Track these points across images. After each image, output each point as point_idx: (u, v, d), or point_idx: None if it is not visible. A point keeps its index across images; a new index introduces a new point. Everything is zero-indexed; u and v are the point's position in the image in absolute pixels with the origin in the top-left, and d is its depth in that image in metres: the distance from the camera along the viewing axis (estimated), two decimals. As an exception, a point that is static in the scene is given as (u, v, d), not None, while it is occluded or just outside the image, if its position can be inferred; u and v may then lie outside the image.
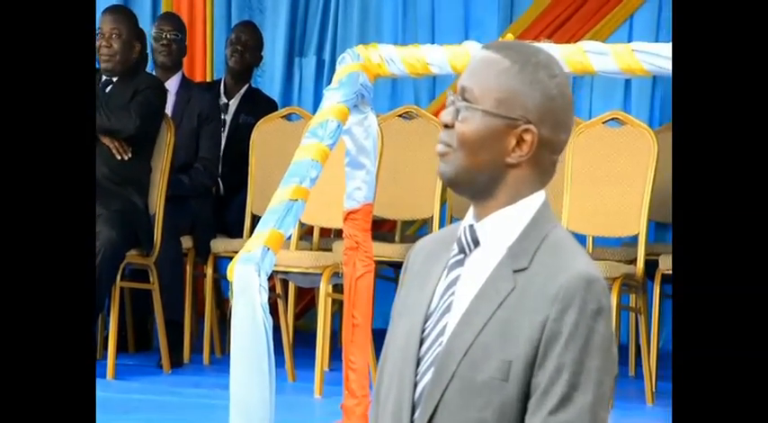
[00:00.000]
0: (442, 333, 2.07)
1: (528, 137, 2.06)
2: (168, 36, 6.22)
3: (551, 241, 2.07)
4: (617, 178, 5.37)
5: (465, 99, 2.08)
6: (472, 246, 2.09)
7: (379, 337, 4.38)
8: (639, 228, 5.28)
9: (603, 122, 5.51)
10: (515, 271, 2.05)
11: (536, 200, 2.09)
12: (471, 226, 2.10)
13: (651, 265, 5.33)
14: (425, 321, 2.09)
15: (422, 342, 2.08)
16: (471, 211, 2.12)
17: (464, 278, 2.09)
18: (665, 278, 5.39)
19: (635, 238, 5.39)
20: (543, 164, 2.09)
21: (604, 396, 2.02)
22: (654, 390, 5.12)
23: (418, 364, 2.07)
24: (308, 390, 5.15)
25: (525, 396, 2.01)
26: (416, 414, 2.07)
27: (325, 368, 5.22)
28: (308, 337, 6.00)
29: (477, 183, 2.08)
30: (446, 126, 2.10)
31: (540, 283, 2.03)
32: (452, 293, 2.08)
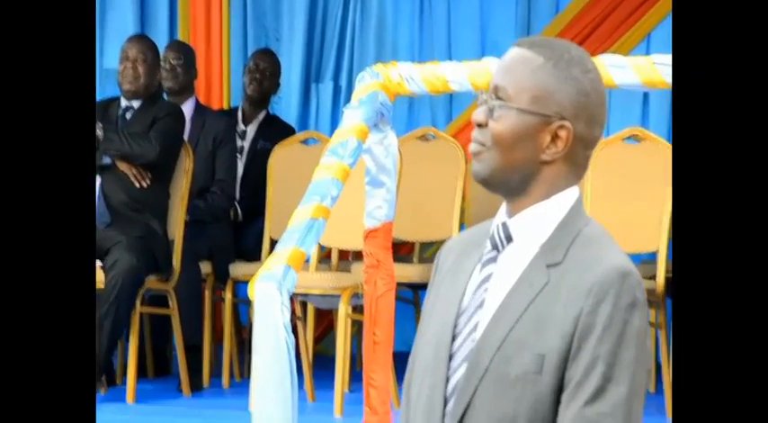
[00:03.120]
0: (474, 329, 2.06)
1: (563, 133, 2.06)
2: (172, 62, 6.27)
3: (585, 236, 2.06)
4: (637, 195, 5.35)
5: (498, 97, 2.08)
6: (505, 242, 2.08)
7: (398, 358, 4.39)
8: (659, 244, 5.26)
9: (623, 139, 5.50)
10: (549, 266, 2.04)
11: (570, 196, 2.09)
12: (504, 223, 2.09)
13: (671, 282, 5.31)
14: (457, 318, 2.08)
15: (454, 339, 2.07)
16: (504, 208, 2.11)
17: (497, 275, 2.08)
18: (686, 295, 5.36)
19: (654, 255, 5.36)
20: (577, 160, 2.08)
21: (639, 388, 2.01)
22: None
23: (450, 361, 2.06)
24: (327, 410, 5.14)
25: (559, 389, 2.00)
26: (449, 408, 2.05)
27: (345, 390, 5.20)
28: (325, 361, 5.98)
29: (511, 181, 2.07)
30: (479, 125, 2.09)
31: (574, 276, 2.02)
32: (485, 290, 2.08)
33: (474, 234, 2.16)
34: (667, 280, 5.24)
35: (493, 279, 2.07)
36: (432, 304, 2.15)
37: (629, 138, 5.50)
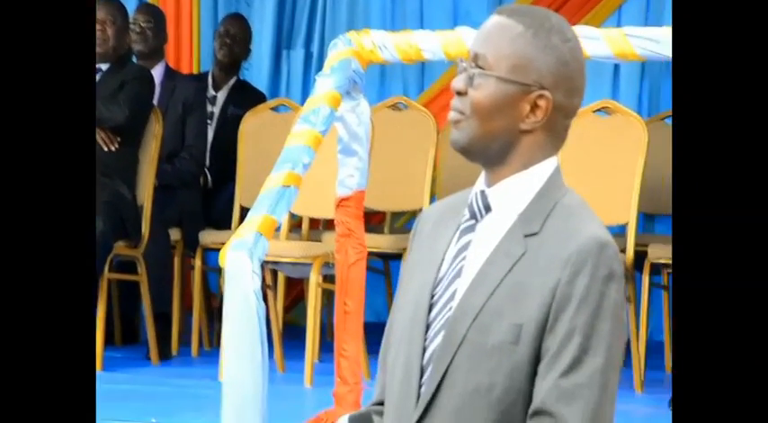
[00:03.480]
0: (452, 298, 2.05)
1: (542, 102, 2.05)
2: (142, 25, 6.22)
3: (563, 206, 2.05)
4: (607, 168, 5.34)
5: (478, 66, 2.06)
6: (483, 211, 2.07)
7: (368, 329, 4.38)
8: (629, 217, 5.26)
9: (594, 111, 5.48)
10: (526, 235, 2.03)
11: (548, 166, 2.08)
12: (483, 191, 2.08)
13: (639, 256, 5.31)
14: (435, 287, 2.07)
15: (431, 308, 2.06)
16: (482, 177, 2.10)
17: (475, 243, 2.06)
18: (654, 268, 5.37)
19: (623, 229, 5.37)
20: (556, 129, 2.07)
21: (615, 360, 2.00)
22: (643, 378, 5.10)
23: (427, 330, 2.05)
24: (297, 380, 5.11)
25: (536, 359, 1.99)
26: (425, 377, 2.04)
27: (315, 360, 5.19)
28: (295, 331, 5.97)
29: (490, 149, 2.06)
30: (458, 93, 2.07)
31: (552, 247, 2.01)
32: (463, 258, 2.06)
33: (452, 202, 2.15)
34: (636, 253, 5.24)
35: (471, 248, 2.06)
36: (409, 272, 2.14)
37: (599, 110, 5.49)
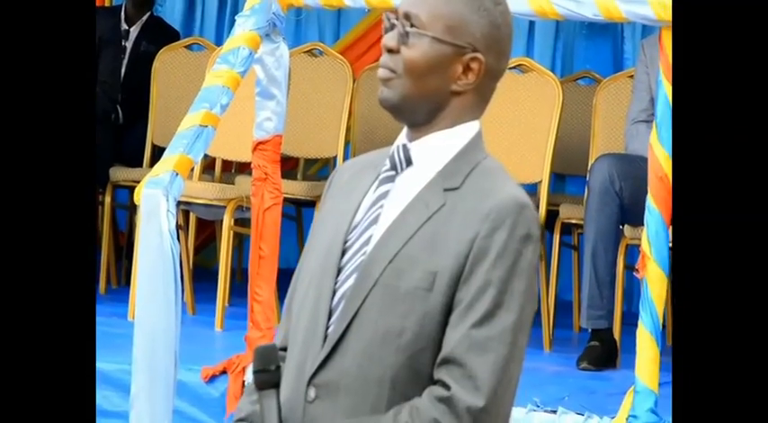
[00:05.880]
0: (366, 243, 2.05)
1: (475, 65, 2.06)
2: None
3: (484, 167, 2.08)
4: (520, 126, 5.36)
5: (412, 25, 2.05)
6: (404, 164, 2.08)
7: (278, 275, 4.36)
8: (542, 176, 5.30)
9: (509, 68, 5.49)
10: (446, 190, 2.05)
11: (472, 127, 2.09)
12: (405, 145, 2.09)
13: (551, 215, 5.36)
14: (349, 233, 2.07)
15: (344, 253, 2.06)
16: (405, 132, 2.11)
17: (394, 193, 2.07)
18: (564, 228, 5.42)
19: (535, 187, 5.40)
20: (485, 92, 2.09)
21: (526, 320, 2.02)
22: (551, 337, 5.16)
23: (339, 274, 2.05)
24: (208, 323, 5.07)
25: (448, 309, 2.00)
26: (333, 319, 2.03)
27: (226, 303, 5.16)
28: (204, 272, 5.93)
29: (420, 109, 2.07)
30: (390, 51, 2.07)
31: (472, 202, 2.03)
32: (380, 206, 2.07)
33: (371, 158, 2.16)
34: (548, 211, 5.28)
35: (389, 197, 2.07)
36: (322, 221, 2.14)
37: (514, 67, 5.51)
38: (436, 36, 2.05)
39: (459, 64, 2.06)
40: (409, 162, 2.07)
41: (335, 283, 2.05)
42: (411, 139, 2.08)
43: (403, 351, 2.00)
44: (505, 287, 1.99)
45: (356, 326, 2.02)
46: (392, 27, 2.07)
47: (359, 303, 2.02)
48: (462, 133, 2.08)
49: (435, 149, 2.07)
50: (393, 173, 2.08)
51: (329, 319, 2.04)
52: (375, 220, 2.06)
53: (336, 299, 2.05)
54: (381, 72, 2.07)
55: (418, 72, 2.05)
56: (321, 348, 2.03)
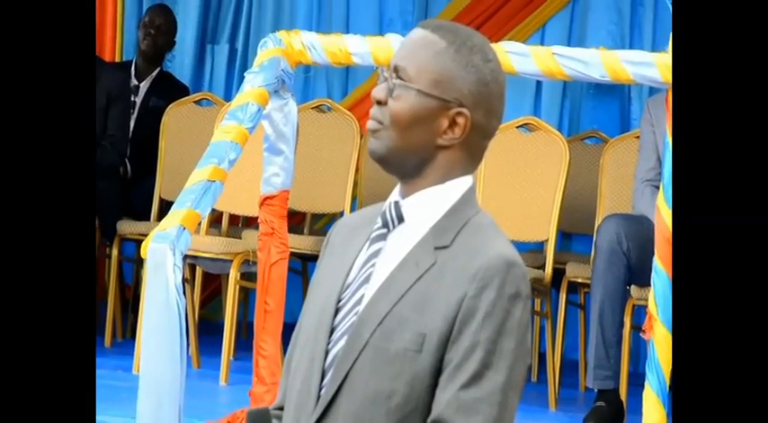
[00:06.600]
0: (358, 303, 2.06)
1: (461, 120, 2.06)
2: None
3: (475, 224, 2.07)
4: (527, 184, 5.38)
5: (399, 77, 2.07)
6: (396, 222, 2.09)
7: (285, 329, 4.35)
8: (548, 234, 5.30)
9: (517, 127, 5.53)
10: (437, 248, 2.05)
11: (463, 183, 2.09)
12: (397, 202, 2.10)
13: (557, 274, 5.36)
14: (342, 292, 2.07)
15: (337, 312, 2.06)
16: (398, 188, 2.11)
17: (385, 252, 2.08)
18: (570, 286, 5.43)
19: (541, 245, 5.40)
20: (473, 148, 2.09)
21: (516, 380, 2.00)
22: (557, 395, 5.14)
23: (332, 333, 2.05)
24: (213, 376, 5.07)
25: (437, 370, 1.99)
26: (326, 380, 2.03)
27: (231, 357, 5.16)
28: (210, 326, 5.93)
29: (407, 162, 2.07)
30: (378, 102, 2.08)
31: (461, 261, 2.02)
32: (372, 265, 2.07)
33: (367, 213, 2.16)
34: (554, 270, 5.28)
35: (381, 255, 2.07)
36: (318, 279, 2.15)
37: (521, 126, 5.53)
38: (422, 89, 2.05)
39: (445, 118, 2.05)
40: (401, 219, 2.08)
41: (328, 343, 2.05)
42: (403, 196, 2.09)
43: (393, 413, 1.99)
44: (494, 347, 1.98)
45: (347, 388, 2.01)
46: (385, 80, 2.09)
47: (349, 365, 2.02)
48: (454, 188, 2.08)
49: (427, 206, 2.07)
50: (385, 231, 2.08)
51: (322, 379, 2.04)
52: (367, 280, 2.06)
53: (329, 359, 2.05)
54: (370, 123, 2.08)
55: (403, 124, 2.05)
56: (313, 410, 2.03)
